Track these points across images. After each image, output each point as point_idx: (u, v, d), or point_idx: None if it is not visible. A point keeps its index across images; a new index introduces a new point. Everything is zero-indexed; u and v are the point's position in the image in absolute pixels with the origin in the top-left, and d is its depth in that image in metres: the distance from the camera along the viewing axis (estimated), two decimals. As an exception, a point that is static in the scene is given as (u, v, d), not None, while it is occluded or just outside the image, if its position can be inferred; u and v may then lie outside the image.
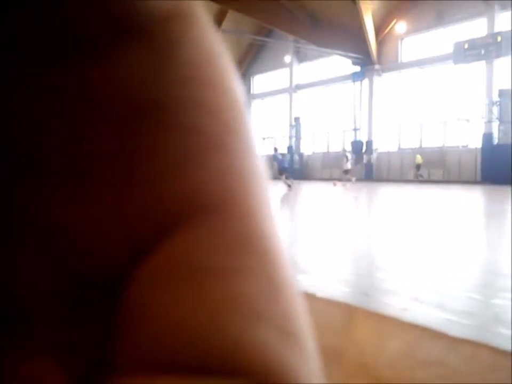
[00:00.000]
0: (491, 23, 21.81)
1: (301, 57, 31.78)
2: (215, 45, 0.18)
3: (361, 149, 27.69)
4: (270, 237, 0.17)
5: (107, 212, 0.16)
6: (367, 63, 26.34)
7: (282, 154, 21.17)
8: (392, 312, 3.17)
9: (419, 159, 24.48)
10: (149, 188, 0.16)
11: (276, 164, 19.38)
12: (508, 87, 20.71)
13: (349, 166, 21.89)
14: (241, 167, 0.17)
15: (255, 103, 37.22)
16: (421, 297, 3.62)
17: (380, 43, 26.19)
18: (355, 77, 27.38)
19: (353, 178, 22.60)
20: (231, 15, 30.94)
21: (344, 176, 21.82)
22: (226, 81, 0.18)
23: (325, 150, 31.08)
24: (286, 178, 18.07)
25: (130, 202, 0.16)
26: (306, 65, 32.01)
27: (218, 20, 31.49)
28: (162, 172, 0.16)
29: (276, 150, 20.79)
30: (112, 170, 0.16)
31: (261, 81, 36.47)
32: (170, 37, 0.17)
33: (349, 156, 22.50)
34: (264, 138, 35.32)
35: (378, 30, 25.57)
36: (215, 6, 29.23)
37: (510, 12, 20.39)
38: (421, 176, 24.49)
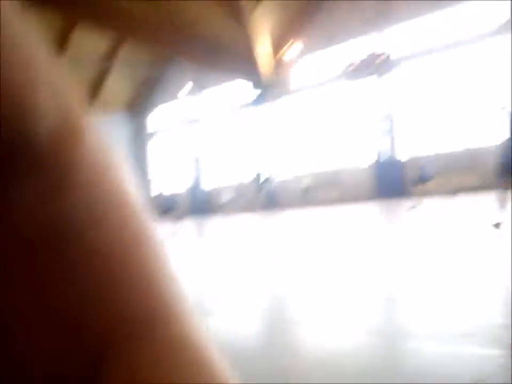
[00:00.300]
0: (376, 43, 22.75)
1: (200, 87, 31.15)
2: (109, 156, 0.19)
3: (263, 176, 27.39)
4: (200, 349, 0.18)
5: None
6: (266, 86, 26.39)
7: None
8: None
9: (307, 182, 24.70)
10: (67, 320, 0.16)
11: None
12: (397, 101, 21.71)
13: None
14: (158, 281, 0.18)
15: (155, 138, 35.56)
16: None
17: (276, 66, 26.30)
18: (257, 101, 27.25)
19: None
20: (124, 50, 29.69)
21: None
22: (125, 195, 0.19)
23: (235, 184, 30.23)
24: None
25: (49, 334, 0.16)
26: (207, 93, 31.20)
27: (113, 50, 30.25)
28: (78, 300, 0.16)
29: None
30: (30, 301, 0.16)
31: (160, 114, 34.94)
32: (61, 162, 0.17)
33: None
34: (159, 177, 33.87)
35: (273, 53, 25.79)
36: (105, 40, 28.50)
37: (390, 32, 22.01)
38: (310, 199, 24.23)
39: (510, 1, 17.39)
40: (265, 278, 6.39)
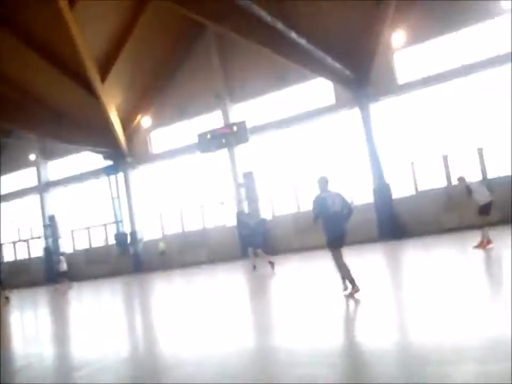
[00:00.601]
0: (226, 115, 24.21)
1: (48, 154, 30.24)
2: None
3: (126, 241, 27.08)
4: None
5: None
6: (119, 156, 26.36)
7: None
8: None
9: (162, 246, 25.20)
10: None
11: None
12: (250, 169, 23.34)
13: (65, 267, 20.95)
14: None
15: (2, 205, 32.71)
16: None
17: (128, 137, 26.46)
18: (109, 170, 27.17)
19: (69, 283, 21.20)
20: None
21: (61, 279, 20.99)
22: None
23: (88, 246, 29.41)
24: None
25: None
26: (55, 162, 30.51)
27: None
28: None
29: None
30: None
31: (5, 182, 32.48)
32: None
33: (62, 258, 21.72)
34: (15, 243, 32.19)
35: (125, 124, 25.92)
36: None
37: (239, 105, 23.73)
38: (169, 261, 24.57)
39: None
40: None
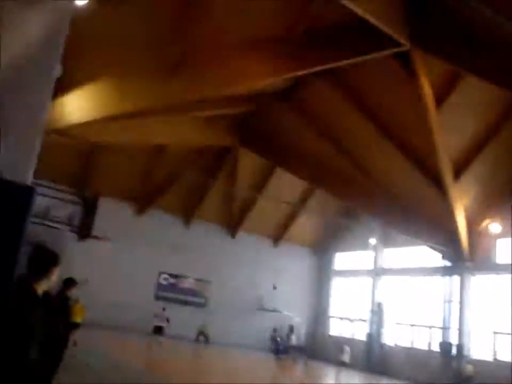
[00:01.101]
0: None
1: (387, 241, 30.70)
2: None
3: (450, 352, 24.18)
4: None
5: None
6: (458, 259, 24.42)
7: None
8: None
9: (469, 369, 21.65)
10: None
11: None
12: None
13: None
14: None
15: (336, 280, 35.78)
16: None
17: (471, 240, 24.21)
18: (445, 271, 25.41)
19: None
20: (319, 193, 30.57)
21: None
22: None
23: (409, 345, 27.84)
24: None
25: None
26: (391, 250, 30.78)
27: (306, 196, 31.76)
28: None
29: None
30: None
31: (344, 259, 35.35)
32: None
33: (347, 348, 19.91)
34: (341, 319, 33.62)
35: (470, 226, 23.89)
36: (304, 182, 29.43)
37: None
38: None
39: None
40: None
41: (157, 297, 31.03)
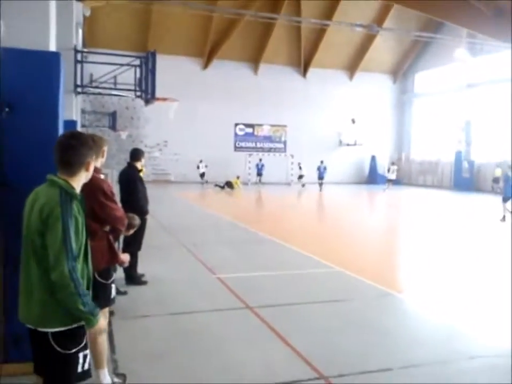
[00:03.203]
0: None
1: (475, 51, 27.37)
2: None
3: None
4: None
5: None
6: None
7: None
8: None
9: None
10: None
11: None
12: None
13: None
14: None
15: (418, 101, 33.60)
16: None
17: None
18: None
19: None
20: (394, 12, 27.97)
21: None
22: None
23: (502, 159, 25.47)
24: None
25: None
26: (481, 60, 27.73)
27: (380, 18, 28.62)
28: None
29: None
30: None
31: (425, 78, 32.76)
32: None
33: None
34: (426, 143, 31.59)
35: None
36: (377, 2, 26.77)
37: None
38: None
39: None
40: None
41: (236, 148, 31.17)
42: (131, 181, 6.02)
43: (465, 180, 27.56)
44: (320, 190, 25.88)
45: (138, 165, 6.24)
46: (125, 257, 3.73)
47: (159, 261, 7.33)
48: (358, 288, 6.20)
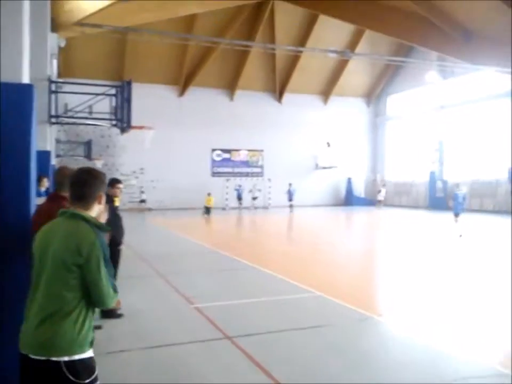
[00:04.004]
0: None
1: (445, 74, 28.37)
2: None
3: None
4: None
5: None
6: None
7: None
8: None
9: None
10: None
11: None
12: None
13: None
14: None
15: (391, 124, 34.25)
16: None
17: None
18: None
19: None
20: (367, 36, 28.60)
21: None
22: None
23: (474, 178, 26.97)
24: None
25: None
26: (451, 82, 28.56)
27: (353, 42, 29.36)
28: None
29: None
30: None
31: (398, 101, 33.55)
32: None
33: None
34: (400, 163, 32.18)
35: None
36: (350, 27, 27.49)
37: None
38: None
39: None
40: None
41: (213, 174, 31.17)
42: None
43: (439, 199, 28.06)
44: (291, 211, 26.09)
45: (113, 193, 6.16)
46: None
47: (135, 292, 7.18)
48: (338, 313, 6.18)
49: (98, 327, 5.46)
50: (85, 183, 2.40)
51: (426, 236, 15.30)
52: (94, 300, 2.26)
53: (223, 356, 4.63)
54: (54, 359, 2.16)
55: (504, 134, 24.76)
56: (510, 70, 22.48)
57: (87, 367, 2.21)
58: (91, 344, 2.26)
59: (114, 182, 6.26)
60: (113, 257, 6.12)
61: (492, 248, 12.62)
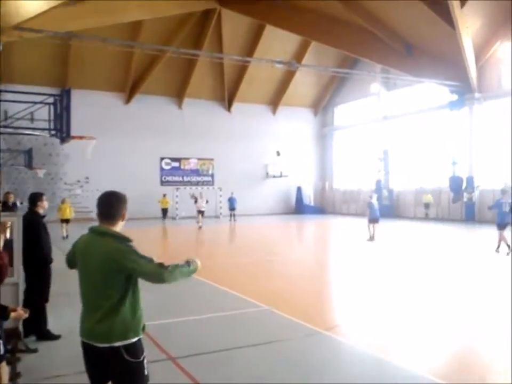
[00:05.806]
0: None
1: (389, 85, 29.36)
2: None
3: (461, 186, 24.26)
4: None
5: None
6: (466, 91, 23.47)
7: None
8: None
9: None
10: None
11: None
12: None
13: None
14: None
15: (338, 133, 35.09)
16: None
17: (480, 69, 23.12)
18: (452, 105, 24.44)
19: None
20: (313, 48, 29.23)
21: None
22: None
23: (418, 186, 28.09)
24: None
25: None
26: (395, 93, 29.61)
27: (300, 53, 29.86)
28: None
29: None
30: None
31: (344, 111, 34.45)
32: None
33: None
34: (347, 172, 33.16)
35: (479, 56, 22.52)
36: (297, 38, 27.91)
37: None
38: None
39: None
40: None
41: (162, 183, 30.68)
42: (32, 228, 5.52)
43: (385, 207, 28.76)
44: (234, 220, 26.15)
45: (40, 209, 5.81)
46: (18, 314, 3.46)
47: (72, 310, 6.79)
48: (288, 328, 6.09)
49: (33, 350, 5.14)
50: (110, 204, 2.86)
51: (374, 245, 15.58)
52: (153, 283, 2.73)
53: (164, 380, 4.42)
54: (114, 344, 2.66)
55: (444, 143, 25.85)
56: (448, 82, 23.59)
57: (140, 347, 2.74)
58: (143, 328, 2.78)
59: (39, 196, 5.93)
60: (45, 277, 5.82)
61: (425, 255, 12.99)
